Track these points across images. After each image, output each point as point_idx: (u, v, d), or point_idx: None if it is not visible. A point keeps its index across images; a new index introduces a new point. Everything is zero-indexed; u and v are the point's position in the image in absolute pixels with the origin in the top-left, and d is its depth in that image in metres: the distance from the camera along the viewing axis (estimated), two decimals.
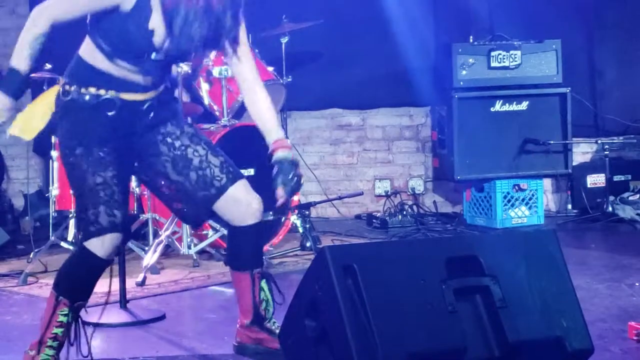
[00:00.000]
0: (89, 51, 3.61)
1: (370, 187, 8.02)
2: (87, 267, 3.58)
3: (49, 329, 3.47)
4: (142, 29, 3.48)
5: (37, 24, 3.44)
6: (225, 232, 5.83)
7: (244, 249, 3.83)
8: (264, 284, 3.80)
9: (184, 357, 3.95)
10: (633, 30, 7.97)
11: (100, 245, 3.44)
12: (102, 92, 3.51)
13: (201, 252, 5.94)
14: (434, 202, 8.01)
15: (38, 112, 3.68)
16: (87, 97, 3.51)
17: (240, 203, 3.74)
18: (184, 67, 5.90)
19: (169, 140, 3.72)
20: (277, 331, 3.67)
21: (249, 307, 3.83)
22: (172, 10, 3.45)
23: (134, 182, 6.14)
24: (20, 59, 3.44)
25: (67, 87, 3.53)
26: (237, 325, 3.90)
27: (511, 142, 7.38)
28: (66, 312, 3.48)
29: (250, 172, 6.20)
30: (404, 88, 7.82)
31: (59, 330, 3.48)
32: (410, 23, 7.53)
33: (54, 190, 6.24)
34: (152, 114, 3.62)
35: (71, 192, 3.91)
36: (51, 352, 3.46)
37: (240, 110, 6.46)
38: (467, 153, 7.31)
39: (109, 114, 3.52)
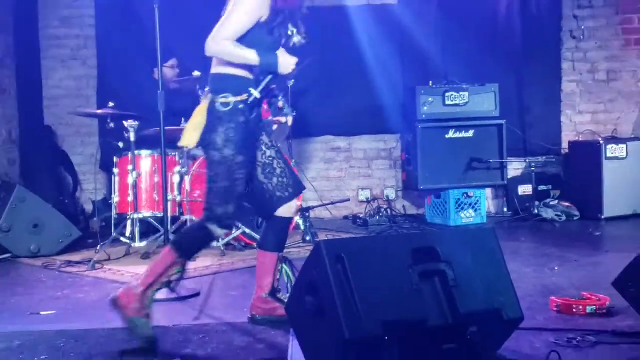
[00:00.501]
0: (235, 67, 3.64)
1: (355, 195, 8.01)
2: (205, 242, 3.78)
3: (162, 277, 3.61)
4: (274, 35, 3.63)
5: (221, 44, 3.54)
6: (245, 229, 5.86)
7: (279, 235, 3.95)
8: (284, 265, 3.95)
9: (214, 325, 3.94)
10: (552, 75, 7.99)
11: (219, 230, 3.65)
12: (244, 96, 3.60)
13: (227, 245, 5.90)
14: (403, 206, 8.03)
15: (192, 127, 3.69)
16: (240, 106, 3.59)
17: (293, 202, 3.93)
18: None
19: (263, 148, 3.82)
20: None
21: (270, 282, 3.91)
22: (295, 19, 3.65)
23: (176, 190, 6.18)
24: (250, 55, 3.55)
25: (222, 99, 3.59)
26: (252, 301, 3.95)
27: (461, 161, 7.36)
28: (179, 270, 3.66)
29: None
30: (380, 120, 7.81)
31: (167, 280, 3.64)
32: (384, 70, 7.57)
33: (115, 198, 6.26)
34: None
35: (208, 185, 3.75)
36: (155, 293, 3.61)
37: None
38: (428, 169, 7.30)
39: (251, 116, 3.64)
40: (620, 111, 8.02)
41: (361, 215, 7.62)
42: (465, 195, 7.29)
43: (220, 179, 3.63)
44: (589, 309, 3.88)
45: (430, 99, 7.34)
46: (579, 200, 7.49)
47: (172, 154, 6.19)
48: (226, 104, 3.57)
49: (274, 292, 3.93)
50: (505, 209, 7.89)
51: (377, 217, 7.49)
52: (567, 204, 7.48)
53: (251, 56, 3.54)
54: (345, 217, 7.76)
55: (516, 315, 3.26)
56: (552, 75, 8.02)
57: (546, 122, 8.02)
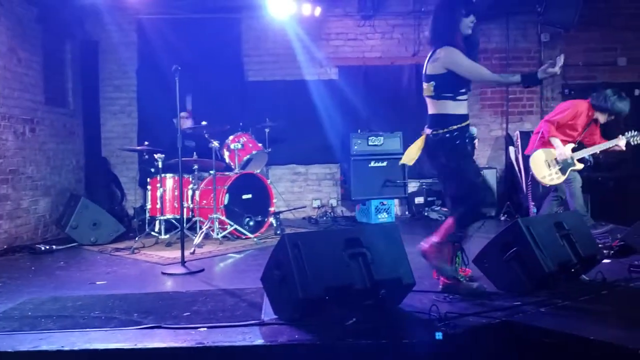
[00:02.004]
0: (439, 107, 3.46)
1: (310, 204, 7.97)
2: (476, 219, 3.54)
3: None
4: (459, 77, 3.39)
5: (482, 72, 3.40)
6: (236, 226, 5.81)
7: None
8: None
9: (213, 290, 3.89)
10: None
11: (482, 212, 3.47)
12: (453, 127, 3.42)
13: (223, 237, 5.78)
14: (342, 210, 7.99)
15: (414, 150, 3.62)
16: (447, 135, 3.43)
17: None
18: (215, 143, 5.89)
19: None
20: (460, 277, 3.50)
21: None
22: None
23: (189, 200, 6.11)
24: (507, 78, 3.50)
25: (434, 132, 3.47)
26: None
27: (379, 181, 7.34)
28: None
29: (249, 195, 6.17)
30: (327, 154, 7.78)
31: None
32: (330, 122, 7.53)
33: (148, 205, 6.17)
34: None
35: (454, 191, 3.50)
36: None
37: (244, 165, 6.43)
38: (358, 186, 7.29)
39: (458, 141, 3.43)
40: (479, 150, 8.05)
41: (314, 217, 7.58)
42: (382, 203, 7.28)
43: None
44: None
45: (359, 141, 7.36)
46: None
47: (187, 176, 6.13)
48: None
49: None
50: (407, 212, 7.90)
51: (325, 218, 7.48)
52: (445, 209, 7.47)
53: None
54: (304, 218, 7.71)
55: (410, 281, 3.30)
56: None
57: None
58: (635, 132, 5.35)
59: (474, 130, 3.75)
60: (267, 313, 3.21)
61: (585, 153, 5.49)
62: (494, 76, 3.44)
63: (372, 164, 7.36)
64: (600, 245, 4.23)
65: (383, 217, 7.24)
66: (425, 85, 3.52)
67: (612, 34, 7.78)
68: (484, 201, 3.41)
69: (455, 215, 3.51)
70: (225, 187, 5.89)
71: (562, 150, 5.43)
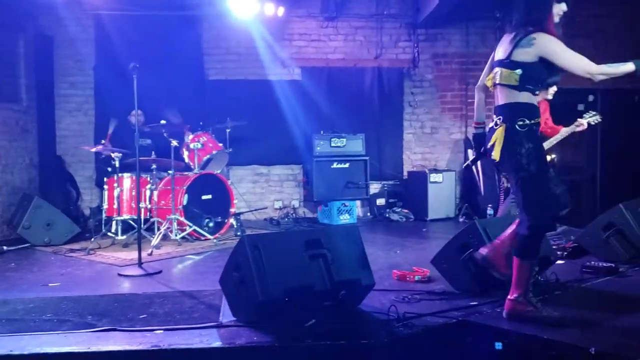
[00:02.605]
0: (520, 97, 2.98)
1: (272, 205, 7.92)
2: (540, 238, 3.03)
3: (523, 284, 3.01)
4: (550, 68, 2.99)
5: (586, 65, 2.92)
6: (195, 227, 5.73)
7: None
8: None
9: (171, 292, 3.84)
10: (397, 129, 8.13)
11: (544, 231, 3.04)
12: (537, 120, 3.00)
13: (182, 238, 5.70)
14: (304, 212, 7.97)
15: (498, 146, 3.01)
16: (534, 127, 2.98)
17: None
18: (174, 143, 5.80)
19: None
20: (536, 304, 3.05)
21: (525, 286, 3.11)
22: None
23: (147, 201, 6.01)
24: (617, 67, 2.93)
25: (520, 122, 2.95)
26: (510, 298, 3.18)
27: (341, 183, 7.38)
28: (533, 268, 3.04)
29: (209, 196, 6.10)
30: (290, 154, 7.75)
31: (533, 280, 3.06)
32: (292, 123, 7.50)
33: (105, 205, 6.02)
34: None
35: (528, 197, 2.96)
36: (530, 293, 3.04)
37: (204, 165, 6.36)
38: (320, 187, 7.30)
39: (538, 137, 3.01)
40: (439, 153, 8.20)
41: (275, 218, 7.54)
42: (344, 204, 7.29)
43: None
44: (416, 278, 3.97)
45: (321, 142, 7.38)
46: (413, 208, 7.58)
47: (145, 175, 6.02)
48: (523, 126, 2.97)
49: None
50: (369, 214, 7.92)
51: (286, 219, 7.45)
52: (406, 210, 7.59)
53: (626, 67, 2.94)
54: (265, 220, 7.65)
55: (370, 282, 3.32)
56: (397, 129, 8.11)
57: (394, 159, 8.10)
58: (593, 113, 5.49)
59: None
60: (226, 315, 3.18)
61: (554, 141, 5.54)
62: (600, 68, 2.93)
63: (335, 165, 7.38)
64: (554, 247, 4.35)
65: (345, 219, 7.26)
66: (504, 71, 3.03)
67: (566, 40, 7.94)
68: (554, 215, 3.07)
69: (518, 250, 3.04)
70: (185, 188, 5.81)
71: None
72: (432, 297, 3.51)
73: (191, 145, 6.18)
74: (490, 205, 7.01)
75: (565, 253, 4.66)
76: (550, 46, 2.93)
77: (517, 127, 2.94)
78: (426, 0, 7.44)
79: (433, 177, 7.46)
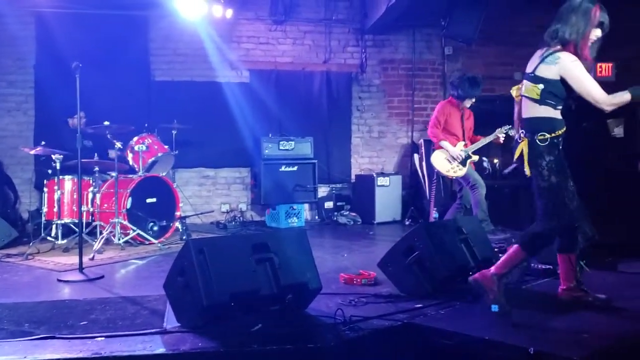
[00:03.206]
0: (542, 110, 3.11)
1: (219, 208, 7.83)
2: (546, 244, 3.24)
3: (508, 267, 3.23)
4: (570, 88, 3.07)
5: (597, 95, 3.00)
6: (139, 231, 5.60)
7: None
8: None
9: (113, 298, 3.73)
10: (345, 133, 8.19)
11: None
12: (559, 132, 3.11)
13: (126, 242, 5.55)
14: (251, 215, 7.92)
15: (525, 159, 3.18)
16: (555, 140, 3.10)
17: None
18: (118, 144, 5.65)
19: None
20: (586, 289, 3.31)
21: (574, 275, 3.37)
22: None
23: (89, 204, 5.83)
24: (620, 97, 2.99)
25: (540, 137, 3.08)
26: (564, 288, 3.41)
27: (289, 186, 7.38)
28: (525, 262, 3.33)
29: (154, 199, 5.98)
30: (238, 157, 7.71)
31: (511, 269, 3.26)
32: (240, 125, 7.49)
33: (44, 209, 5.81)
34: None
35: (546, 205, 3.13)
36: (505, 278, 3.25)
37: (149, 168, 6.22)
38: (268, 190, 7.27)
39: (560, 145, 3.12)
40: (386, 157, 8.33)
41: (222, 221, 7.45)
42: (292, 208, 7.30)
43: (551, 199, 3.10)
44: (363, 281, 3.98)
45: (269, 145, 7.35)
46: (361, 211, 7.65)
47: (87, 178, 5.84)
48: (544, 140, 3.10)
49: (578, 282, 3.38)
50: (317, 217, 7.95)
51: (234, 223, 7.36)
52: (354, 214, 7.66)
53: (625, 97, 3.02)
54: (212, 223, 7.57)
55: (317, 285, 3.32)
56: (345, 133, 8.19)
57: (342, 162, 8.17)
58: (509, 126, 5.79)
59: None
60: (170, 321, 3.11)
61: (476, 147, 5.90)
62: (609, 99, 3.03)
63: (283, 168, 7.37)
64: (496, 250, 4.47)
65: (293, 222, 7.25)
66: (529, 85, 3.17)
67: (509, 50, 8.29)
68: (567, 228, 3.13)
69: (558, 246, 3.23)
70: (128, 191, 5.67)
71: (453, 151, 5.82)
72: (379, 300, 3.53)
73: (136, 148, 6.03)
74: (435, 209, 7.15)
75: None
76: (571, 68, 3.05)
77: (537, 141, 3.09)
78: (374, 6, 7.54)
79: (380, 180, 7.55)
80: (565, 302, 3.35)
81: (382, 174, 7.74)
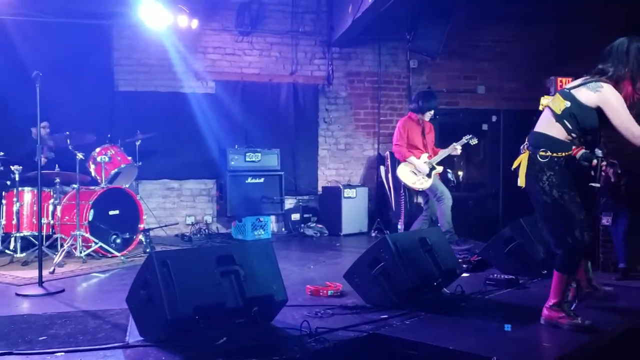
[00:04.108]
0: (555, 130, 3.11)
1: (184, 220, 7.74)
2: (579, 258, 3.23)
3: (564, 293, 3.19)
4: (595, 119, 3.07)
5: (635, 131, 2.97)
6: (101, 244, 5.50)
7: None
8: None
9: (74, 312, 3.66)
10: (312, 145, 8.22)
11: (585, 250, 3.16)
12: (561, 154, 3.09)
13: (88, 255, 5.43)
14: (217, 227, 7.85)
15: (522, 172, 3.17)
16: (556, 159, 3.08)
17: None
18: (80, 155, 5.55)
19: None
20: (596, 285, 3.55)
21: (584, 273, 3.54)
22: None
23: (50, 216, 5.70)
24: None
25: (542, 153, 3.09)
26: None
27: (256, 198, 7.35)
28: (572, 284, 3.28)
29: (117, 211, 5.89)
30: (204, 168, 7.66)
31: (568, 292, 3.23)
32: (205, 136, 7.45)
33: (3, 221, 5.68)
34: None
35: (554, 220, 3.13)
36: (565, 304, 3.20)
37: (112, 179, 6.13)
38: (234, 202, 7.24)
39: (564, 167, 3.11)
40: (353, 169, 8.37)
41: (187, 234, 7.35)
42: (258, 220, 7.27)
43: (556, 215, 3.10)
44: (329, 292, 4.00)
45: (236, 157, 7.33)
46: (327, 223, 7.67)
47: (48, 190, 5.72)
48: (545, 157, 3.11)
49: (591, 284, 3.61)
50: (283, 229, 7.93)
51: (199, 235, 7.30)
52: (320, 225, 7.67)
53: None
54: (176, 236, 7.45)
55: (283, 297, 3.32)
56: (312, 145, 8.22)
57: (309, 174, 8.19)
58: (470, 136, 6.16)
59: (599, 152, 3.42)
60: (133, 335, 3.07)
61: (438, 158, 6.10)
62: None
63: (249, 180, 7.35)
64: (460, 260, 4.56)
65: (259, 234, 7.23)
66: (558, 97, 3.16)
67: (472, 64, 8.50)
68: (582, 241, 3.08)
69: (556, 264, 3.19)
70: (90, 202, 5.58)
71: (419, 165, 6.01)
72: (345, 311, 3.55)
73: (98, 159, 5.95)
74: (401, 220, 7.24)
75: (471, 266, 4.88)
76: (611, 99, 3.02)
77: (538, 156, 3.10)
78: (340, 19, 7.63)
79: (347, 192, 7.60)
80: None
81: (349, 186, 7.79)
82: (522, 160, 3.20)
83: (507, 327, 3.15)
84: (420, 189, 6.04)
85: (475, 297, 3.99)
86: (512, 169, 3.32)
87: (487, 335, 3.18)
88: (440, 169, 6.09)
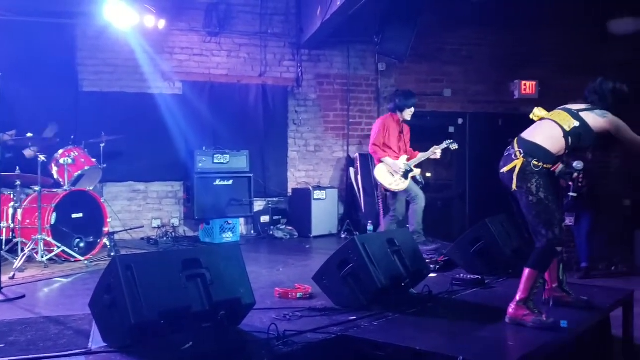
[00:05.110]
0: (552, 145, 3.35)
1: (150, 223, 7.60)
2: (553, 257, 3.44)
3: (532, 290, 3.32)
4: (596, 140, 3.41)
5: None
6: (64, 248, 5.38)
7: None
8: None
9: (35, 318, 3.55)
10: (282, 147, 8.18)
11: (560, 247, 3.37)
12: (549, 166, 3.34)
13: (50, 259, 5.30)
14: (184, 230, 7.74)
15: (514, 177, 3.35)
16: (545, 170, 3.31)
17: None
18: (42, 157, 5.41)
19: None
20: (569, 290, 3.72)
21: (556, 276, 3.71)
22: None
23: (10, 219, 5.55)
24: None
25: (535, 162, 3.30)
26: (547, 288, 3.73)
27: (224, 200, 7.28)
28: (540, 281, 3.41)
29: (80, 215, 5.77)
30: (170, 170, 7.56)
31: (536, 290, 3.35)
32: (175, 137, 7.37)
33: None
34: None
35: (539, 218, 3.31)
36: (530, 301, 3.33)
37: (75, 182, 6.00)
38: (202, 205, 7.15)
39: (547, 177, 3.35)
40: (322, 171, 8.37)
41: (154, 237, 7.22)
42: (227, 222, 7.19)
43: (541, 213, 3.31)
44: (298, 295, 3.99)
45: (204, 159, 7.24)
46: (297, 225, 7.65)
47: (7, 192, 5.56)
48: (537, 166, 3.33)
49: (560, 284, 3.75)
50: (252, 231, 7.87)
51: (165, 239, 7.17)
52: (290, 227, 7.64)
53: None
54: (142, 239, 7.32)
55: (251, 301, 3.29)
56: (282, 147, 8.18)
57: (278, 176, 8.15)
58: (451, 141, 6.20)
59: (578, 165, 3.80)
60: (96, 341, 3.00)
61: (417, 161, 6.11)
62: None
63: (218, 182, 7.28)
64: (427, 261, 4.59)
65: (228, 237, 7.16)
66: (566, 115, 3.42)
67: (439, 67, 8.61)
68: (560, 238, 3.35)
69: (531, 260, 3.39)
70: (53, 206, 5.45)
71: (395, 165, 5.99)
72: (313, 313, 3.54)
73: (61, 161, 5.82)
74: (370, 222, 7.27)
75: (438, 267, 4.93)
76: (620, 123, 3.36)
77: (531, 165, 3.31)
78: (309, 21, 7.63)
79: (317, 194, 7.60)
80: (546, 301, 3.68)
81: (319, 188, 7.79)
82: (516, 165, 3.36)
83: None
84: (396, 191, 6.04)
85: (442, 297, 4.03)
86: (503, 172, 3.45)
87: (454, 335, 3.21)
88: (417, 171, 6.07)
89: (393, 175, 6.00)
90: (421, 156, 6.12)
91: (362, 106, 8.48)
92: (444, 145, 6.15)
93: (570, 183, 3.86)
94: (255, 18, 8.03)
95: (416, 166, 6.10)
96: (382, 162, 6.05)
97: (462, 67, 8.66)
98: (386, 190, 6.12)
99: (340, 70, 8.39)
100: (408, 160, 6.07)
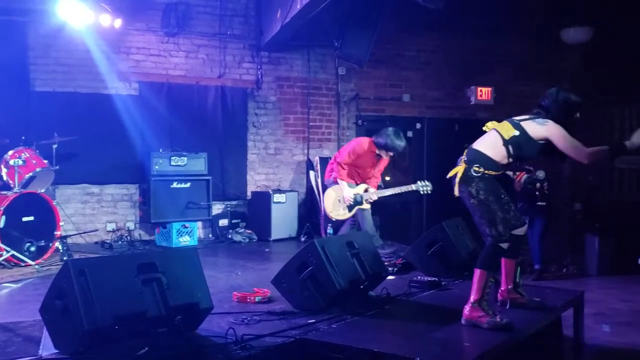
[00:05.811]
0: (494, 153, 3.47)
1: (104, 227, 7.44)
2: (499, 255, 3.52)
3: (484, 290, 3.38)
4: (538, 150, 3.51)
5: (584, 155, 3.38)
6: (14, 252, 5.21)
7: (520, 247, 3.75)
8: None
9: None
10: (241, 149, 8.13)
11: (506, 245, 3.41)
12: (491, 172, 3.42)
13: None
14: (139, 234, 7.59)
15: (457, 183, 3.50)
16: (487, 175, 3.41)
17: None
18: None
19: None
20: (523, 292, 3.80)
21: (512, 278, 3.76)
22: None
23: None
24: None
25: (475, 168, 3.42)
26: (503, 289, 3.78)
27: (181, 203, 7.17)
28: (491, 280, 3.46)
29: (31, 218, 5.60)
30: (126, 173, 7.42)
31: (488, 290, 3.41)
32: (131, 138, 7.26)
33: None
34: None
35: (483, 218, 3.44)
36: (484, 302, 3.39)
37: (26, 184, 5.82)
38: (158, 208, 7.02)
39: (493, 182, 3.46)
40: (282, 174, 8.36)
41: (108, 241, 7.07)
42: (184, 226, 7.10)
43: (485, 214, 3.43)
44: (257, 299, 3.98)
45: (160, 161, 7.13)
46: (257, 229, 7.60)
47: None
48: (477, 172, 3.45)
49: (516, 285, 3.83)
50: (210, 235, 7.79)
51: (120, 242, 7.04)
52: (249, 231, 7.60)
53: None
54: (96, 243, 7.13)
55: (208, 305, 3.26)
56: (241, 149, 8.12)
57: (237, 179, 8.09)
58: (425, 183, 6.13)
59: (541, 174, 3.93)
60: (47, 347, 2.93)
61: (386, 193, 6.11)
62: (590, 155, 3.41)
63: (175, 185, 7.17)
64: (385, 263, 4.64)
65: (185, 241, 7.07)
66: (508, 125, 3.55)
67: (397, 72, 8.72)
68: (504, 235, 3.43)
69: (479, 260, 3.48)
70: (2, 208, 5.30)
71: (347, 193, 6.02)
72: (272, 317, 3.54)
73: (11, 162, 5.65)
74: (330, 225, 7.29)
75: (396, 269, 4.99)
76: (558, 131, 3.45)
77: (472, 170, 3.44)
78: (269, 24, 7.62)
79: (276, 197, 7.58)
80: (503, 303, 3.74)
81: (279, 191, 7.77)
82: (458, 172, 3.50)
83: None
84: (334, 219, 6.10)
85: (400, 299, 4.08)
86: (448, 177, 3.60)
87: (412, 336, 3.25)
88: (367, 207, 6.03)
89: (340, 202, 6.05)
90: (393, 190, 6.07)
91: (322, 109, 8.51)
92: (419, 186, 6.06)
93: (537, 193, 4.07)
94: (215, 19, 7.97)
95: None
96: (337, 182, 6.05)
97: (420, 73, 8.80)
98: (326, 214, 6.19)
99: (301, 73, 8.40)
100: (376, 188, 6.09)
